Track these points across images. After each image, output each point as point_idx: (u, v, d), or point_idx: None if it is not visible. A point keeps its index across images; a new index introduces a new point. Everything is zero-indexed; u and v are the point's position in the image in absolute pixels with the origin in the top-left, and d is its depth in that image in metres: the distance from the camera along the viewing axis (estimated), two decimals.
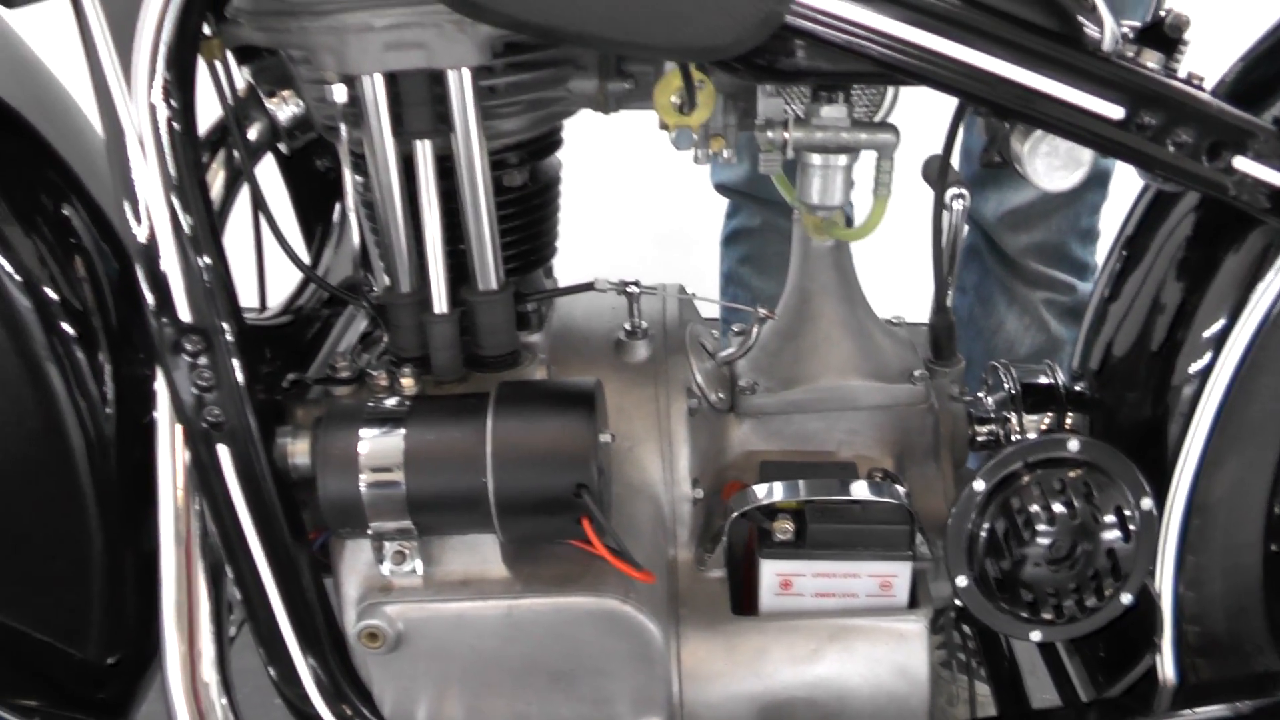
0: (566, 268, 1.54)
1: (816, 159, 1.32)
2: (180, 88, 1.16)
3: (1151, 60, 1.20)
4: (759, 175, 2.21)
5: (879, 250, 1.96)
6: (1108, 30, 1.18)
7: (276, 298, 1.54)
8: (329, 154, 1.62)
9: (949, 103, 1.30)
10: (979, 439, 1.52)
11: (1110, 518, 1.32)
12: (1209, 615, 1.42)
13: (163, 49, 1.14)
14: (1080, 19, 1.18)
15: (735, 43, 1.07)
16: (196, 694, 1.30)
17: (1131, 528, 1.32)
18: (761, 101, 1.31)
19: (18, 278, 1.30)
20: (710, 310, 2.40)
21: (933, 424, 1.48)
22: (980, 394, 1.55)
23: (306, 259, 1.63)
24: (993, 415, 1.52)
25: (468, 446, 1.21)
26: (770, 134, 1.30)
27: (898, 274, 2.17)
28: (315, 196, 1.64)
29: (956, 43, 1.14)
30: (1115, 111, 1.18)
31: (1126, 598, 1.35)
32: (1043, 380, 1.52)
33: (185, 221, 1.18)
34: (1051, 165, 1.27)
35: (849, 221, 1.51)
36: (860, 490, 1.35)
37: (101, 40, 1.14)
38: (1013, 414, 1.50)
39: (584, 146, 1.48)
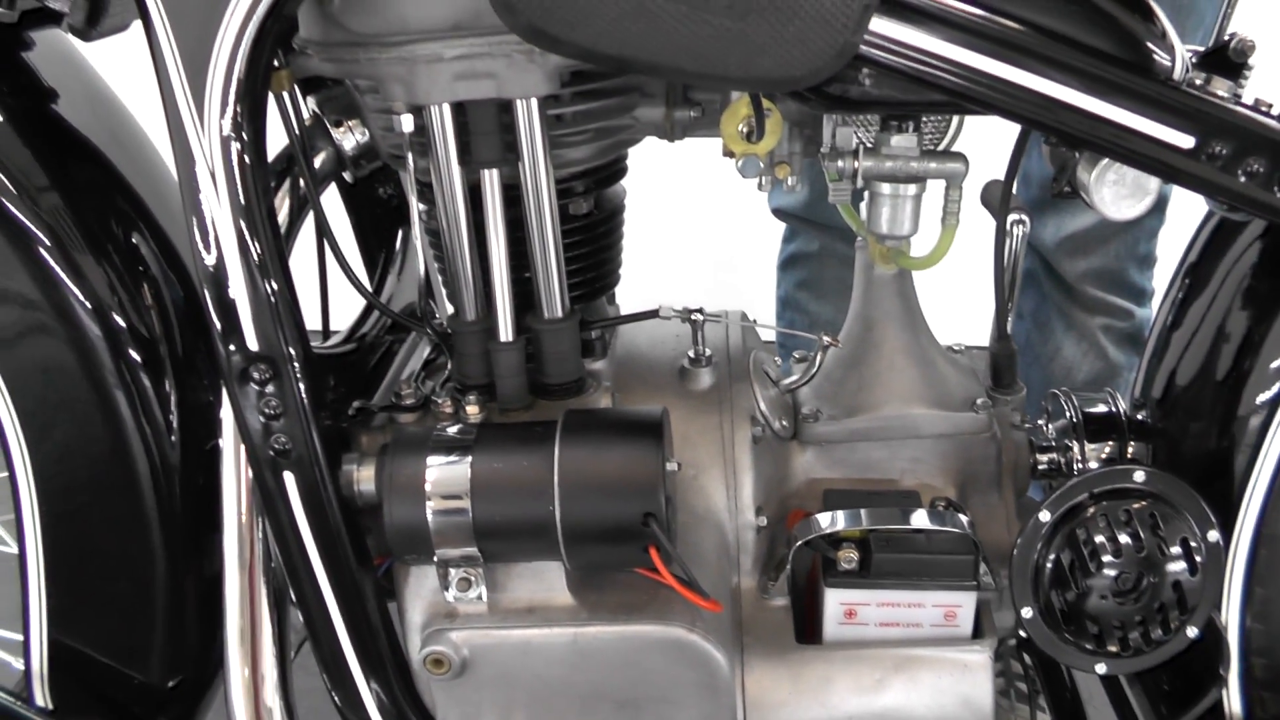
0: (629, 295, 1.55)
1: (886, 188, 1.32)
2: (251, 119, 1.17)
3: (1222, 88, 1.20)
4: (816, 200, 2.23)
5: (930, 273, 1.96)
6: (1179, 58, 1.18)
7: (334, 325, 1.55)
8: (391, 181, 1.63)
9: (1002, 127, 1.30)
10: (1040, 468, 1.51)
11: (1176, 549, 1.31)
12: (1277, 649, 1.41)
13: (235, 82, 1.15)
14: (1151, 46, 1.18)
15: (811, 74, 1.07)
16: (259, 718, 1.31)
17: (1198, 559, 1.31)
18: (829, 130, 1.31)
19: (88, 304, 1.32)
20: (769, 336, 2.40)
21: (995, 453, 1.48)
22: (1040, 422, 1.55)
23: (369, 287, 1.64)
24: (1054, 444, 1.51)
25: (535, 474, 1.21)
26: (840, 163, 1.30)
27: (950, 298, 2.16)
28: (377, 224, 1.66)
29: (1028, 72, 1.14)
30: (1185, 141, 1.18)
31: (1193, 631, 1.33)
32: (1103, 409, 1.51)
33: (254, 250, 1.19)
34: (1119, 194, 1.27)
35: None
36: (925, 520, 1.35)
37: (175, 72, 1.15)
38: (1074, 443, 1.49)
39: (636, 170, 1.48)
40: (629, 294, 1.54)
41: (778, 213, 2.39)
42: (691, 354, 1.43)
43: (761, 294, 2.53)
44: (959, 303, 2.27)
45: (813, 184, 2.25)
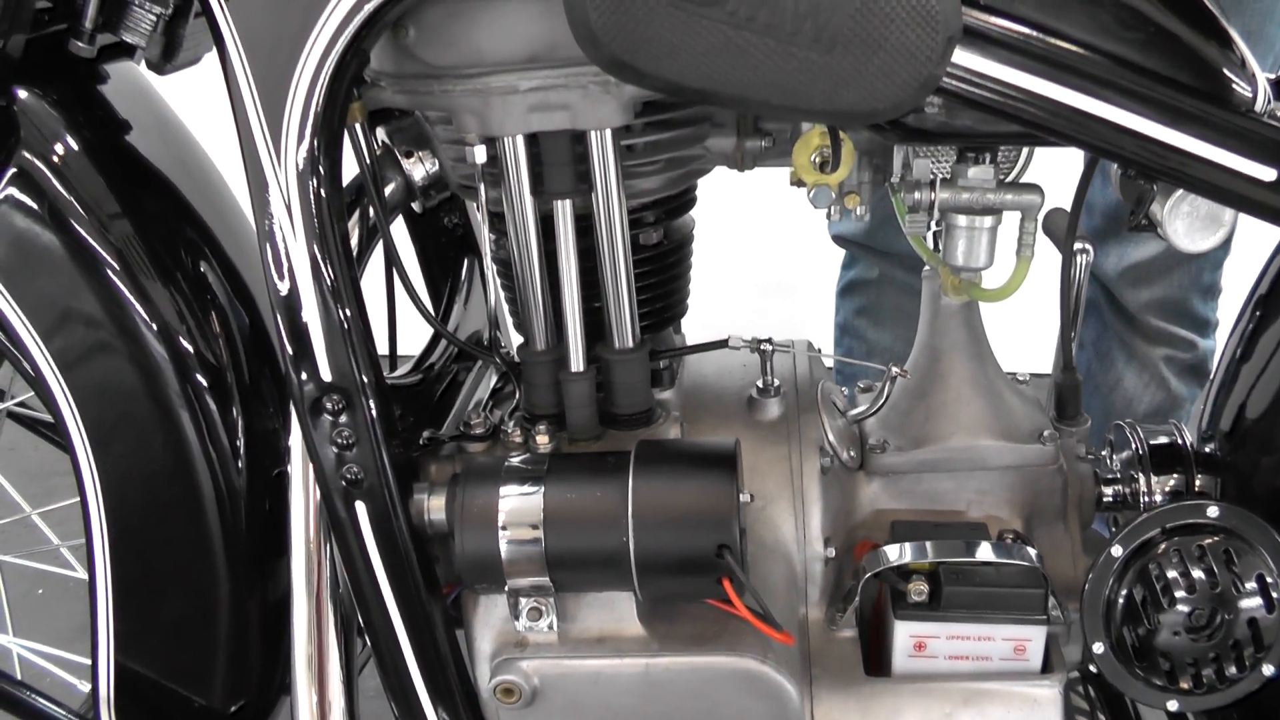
0: (687, 320, 1.55)
1: (962, 220, 1.32)
2: (328, 152, 1.18)
3: None
4: (878, 227, 2.22)
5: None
6: (1261, 89, 1.17)
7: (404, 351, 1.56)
8: (456, 211, 1.63)
9: (1063, 154, 1.30)
10: (1106, 500, 1.50)
11: (1252, 585, 1.30)
12: None
13: (313, 115, 1.16)
14: (1230, 76, 1.17)
15: (894, 107, 1.07)
16: None
17: (1274, 595, 1.30)
18: (899, 160, 1.31)
19: (154, 326, 1.33)
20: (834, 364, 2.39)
21: (1062, 485, 1.47)
22: (1105, 454, 1.54)
23: (434, 313, 1.65)
24: (1119, 476, 1.50)
25: (609, 505, 1.21)
26: (916, 195, 1.30)
27: (1007, 325, 2.15)
28: (442, 253, 1.66)
29: (1107, 103, 1.13)
30: (1267, 173, 1.17)
31: (1269, 669, 1.32)
32: (1170, 440, 1.50)
33: (328, 280, 1.20)
34: (1193, 226, 1.26)
35: None
36: (993, 552, 1.34)
37: (251, 104, 1.16)
38: (1140, 475, 1.48)
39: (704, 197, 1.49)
40: (692, 322, 1.54)
41: (838, 239, 2.39)
42: (760, 384, 1.43)
43: (819, 319, 2.53)
44: (1017, 330, 2.26)
45: (873, 211, 2.24)
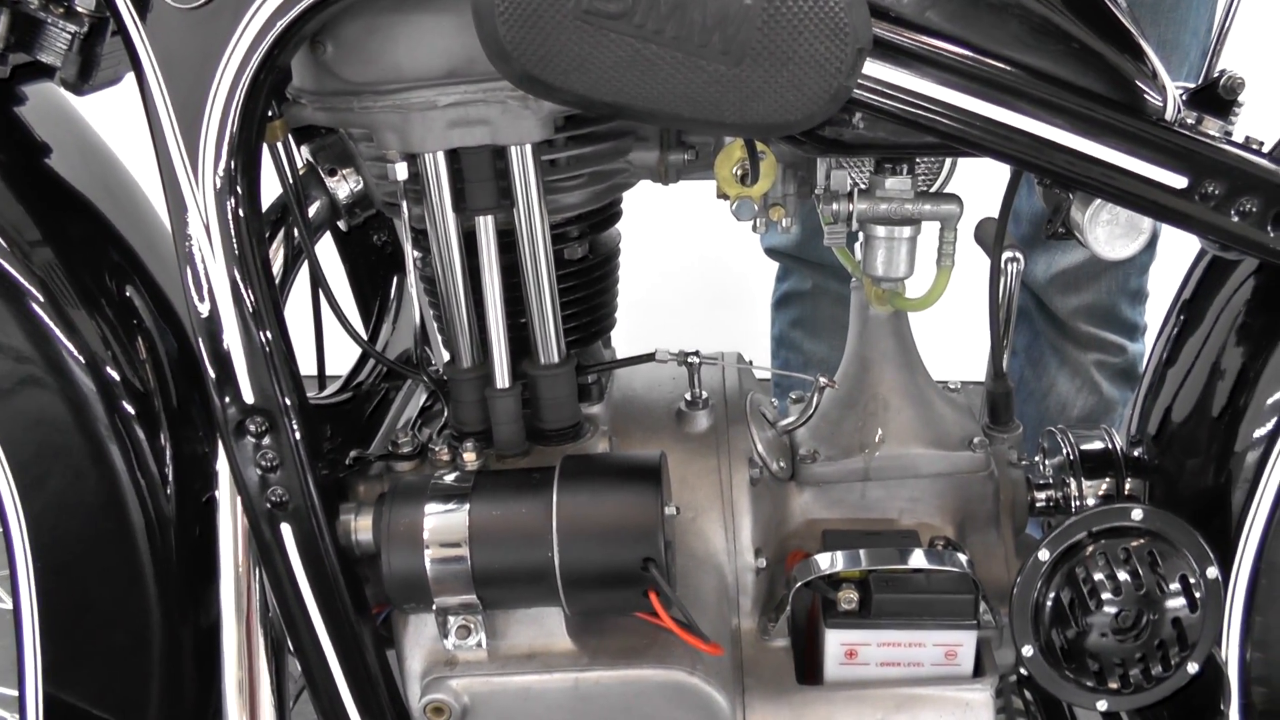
0: (622, 336, 1.55)
1: (881, 230, 1.33)
2: (246, 171, 1.17)
3: (1213, 128, 1.20)
4: (809, 239, 2.23)
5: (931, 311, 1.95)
6: (1170, 99, 1.18)
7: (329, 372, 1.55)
8: (385, 229, 1.63)
9: (993, 165, 1.31)
10: (1038, 505, 1.51)
11: (1176, 586, 1.31)
12: (1277, 677, 1.41)
13: (229, 134, 1.15)
14: (1142, 86, 1.18)
15: (805, 119, 1.08)
16: None
17: (1197, 596, 1.31)
18: (823, 172, 1.32)
19: (81, 359, 1.31)
20: (765, 376, 2.40)
21: (993, 491, 1.48)
22: (1037, 459, 1.55)
23: (364, 335, 1.64)
24: (1051, 481, 1.51)
25: (534, 521, 1.21)
26: (835, 206, 1.31)
27: (942, 334, 2.16)
28: (372, 271, 1.66)
29: (1021, 114, 1.15)
30: (1178, 181, 1.18)
31: (1193, 667, 1.33)
32: (1100, 445, 1.51)
33: (249, 302, 1.19)
34: (1113, 234, 1.27)
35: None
36: (924, 559, 1.35)
37: (168, 125, 1.15)
38: (1071, 480, 1.49)
39: (639, 213, 1.49)
40: (623, 336, 1.54)
41: (770, 252, 2.39)
42: (688, 397, 1.43)
43: (756, 333, 2.53)
44: (952, 339, 2.28)
45: (804, 223, 2.25)
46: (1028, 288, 2.26)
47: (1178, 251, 1.54)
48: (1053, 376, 2.30)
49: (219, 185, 1.16)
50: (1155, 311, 2.10)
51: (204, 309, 1.19)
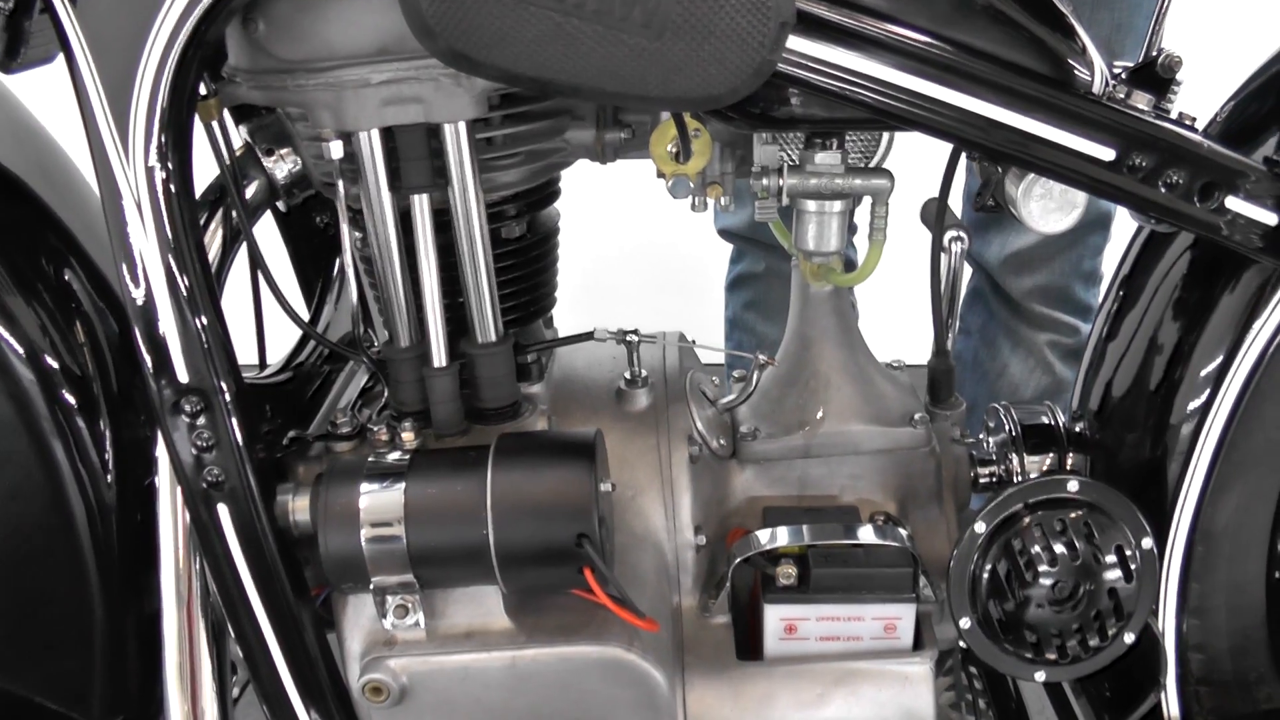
0: (578, 318, 1.54)
1: (811, 205, 1.33)
2: (177, 149, 1.17)
3: (1142, 101, 1.21)
4: (761, 220, 2.23)
5: (887, 294, 1.96)
6: (1098, 73, 1.19)
7: (276, 355, 1.54)
8: (327, 210, 1.62)
9: (948, 147, 1.31)
10: (981, 481, 1.52)
11: (1111, 558, 1.32)
12: (1213, 643, 1.42)
13: (159, 110, 1.15)
14: (1071, 62, 1.19)
15: (730, 92, 1.08)
16: None
17: (1133, 567, 1.32)
18: (757, 149, 1.32)
19: (20, 350, 1.30)
20: (713, 357, 2.40)
21: (934, 467, 1.48)
22: (982, 436, 1.55)
23: (306, 315, 1.64)
24: (994, 457, 1.52)
25: (468, 499, 1.21)
26: (765, 181, 1.31)
27: (905, 318, 2.17)
28: (315, 253, 1.65)
29: (947, 88, 1.15)
30: (1106, 153, 1.19)
31: (1129, 637, 1.34)
32: (1043, 421, 1.52)
33: (182, 282, 1.18)
34: (1046, 208, 1.28)
35: (850, 266, 1.51)
36: (863, 534, 1.35)
37: (97, 103, 1.14)
38: (1014, 455, 1.50)
39: (595, 195, 1.48)
40: (576, 322, 1.54)
41: (724, 233, 2.40)
42: (628, 375, 1.44)
43: (712, 317, 2.53)
44: (915, 323, 2.28)
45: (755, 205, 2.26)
46: (982, 269, 2.27)
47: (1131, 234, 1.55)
48: (1006, 357, 2.31)
49: (150, 162, 1.15)
50: None
51: (137, 290, 1.19)
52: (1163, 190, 1.21)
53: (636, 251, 3.54)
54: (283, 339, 1.56)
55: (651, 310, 3.41)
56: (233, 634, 1.30)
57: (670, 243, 3.36)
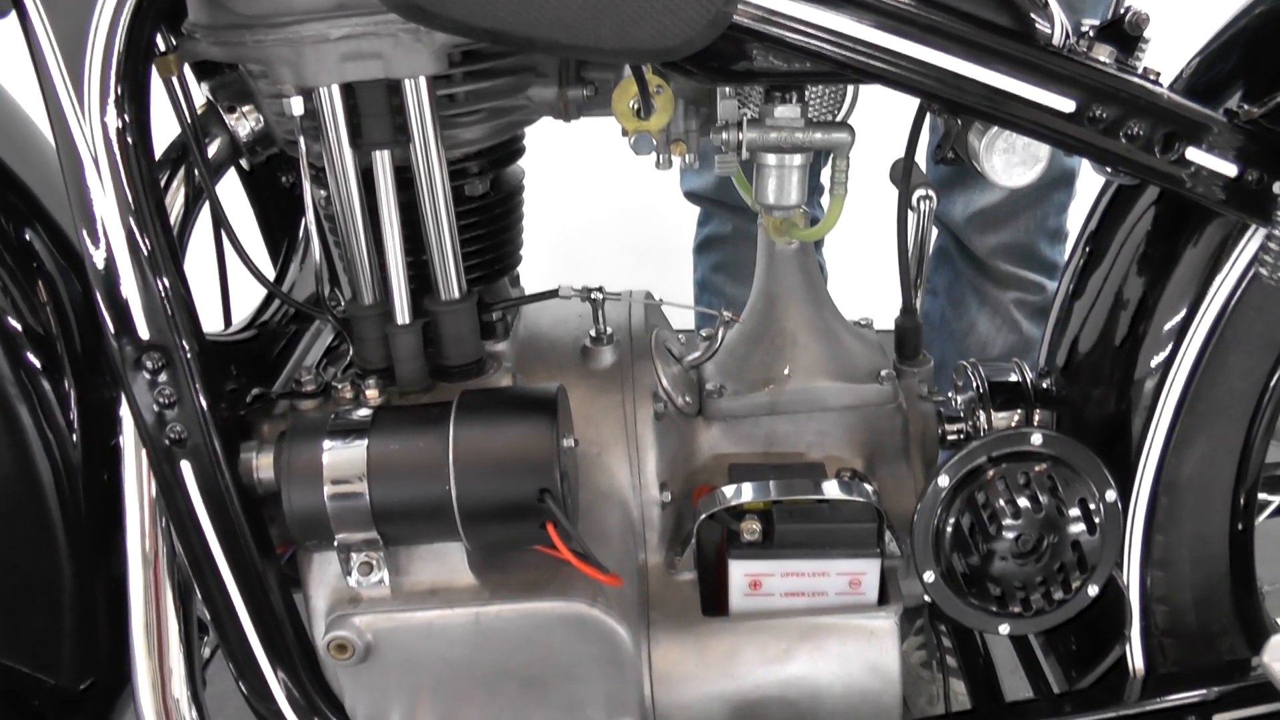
0: (548, 284, 1.54)
1: (771, 159, 1.33)
2: (134, 101, 1.16)
3: (1104, 54, 1.21)
4: (727, 181, 2.22)
5: (860, 255, 1.96)
6: (1058, 25, 1.19)
7: (241, 315, 1.54)
8: (292, 169, 1.62)
9: (915, 105, 1.31)
10: (949, 438, 1.52)
11: (1075, 511, 1.33)
12: (1177, 595, 1.43)
13: (115, 62, 1.14)
14: (1032, 15, 1.19)
15: (685, 44, 1.07)
16: (167, 710, 1.30)
17: (1096, 520, 1.33)
18: (718, 104, 1.32)
19: None
20: (680, 316, 2.40)
21: (901, 424, 1.49)
22: (950, 395, 1.56)
23: (271, 274, 1.63)
24: (962, 414, 1.52)
25: (430, 455, 1.21)
26: (725, 135, 1.30)
27: (875, 282, 2.17)
28: (280, 212, 1.64)
29: (906, 39, 1.15)
30: (1066, 105, 1.19)
31: (1093, 589, 1.35)
32: (1011, 378, 1.52)
33: (142, 239, 1.18)
34: (1009, 162, 1.28)
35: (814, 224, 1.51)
36: (828, 490, 1.35)
37: (51, 56, 1.13)
38: (981, 412, 1.50)
39: (562, 161, 1.48)
40: (552, 285, 1.53)
41: (690, 196, 2.39)
42: (593, 333, 1.44)
43: (683, 282, 2.54)
44: (889, 283, 2.29)
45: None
46: (947, 228, 2.27)
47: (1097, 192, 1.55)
48: (973, 316, 2.32)
49: (106, 115, 1.15)
50: None
51: (97, 246, 1.18)
52: (1124, 141, 1.20)
53: (606, 218, 3.54)
54: (248, 299, 1.55)
55: (622, 275, 3.42)
56: (199, 594, 1.29)
57: (639, 207, 3.35)
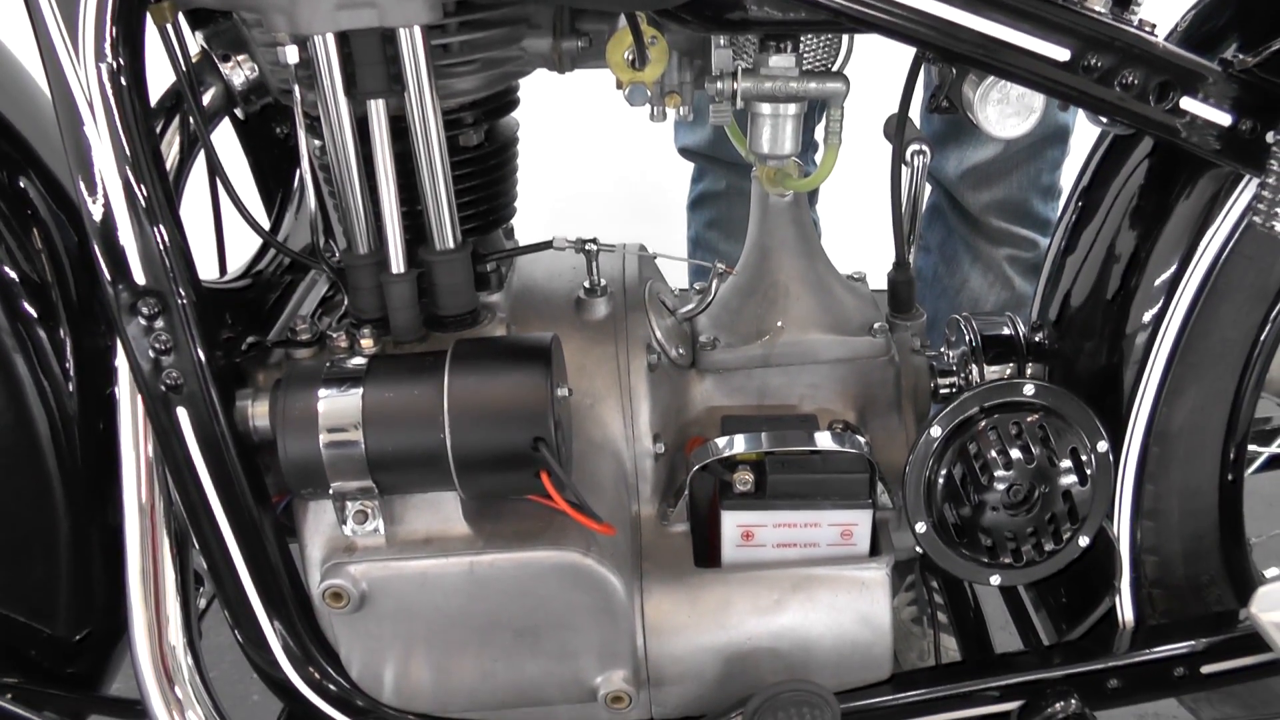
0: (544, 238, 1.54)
1: (766, 108, 1.33)
2: (128, 47, 1.15)
3: (1099, 3, 1.21)
4: (722, 138, 2.22)
5: (852, 213, 1.96)
6: None
7: (236, 265, 1.54)
8: (287, 120, 1.61)
9: (910, 58, 1.31)
10: (941, 391, 1.52)
11: (1066, 461, 1.33)
12: (1167, 546, 1.44)
13: (109, 8, 1.13)
14: None
15: None
16: (163, 656, 1.30)
17: (1088, 471, 1.34)
18: (713, 53, 1.31)
19: None
20: (674, 272, 2.39)
21: (894, 376, 1.49)
22: (943, 350, 1.56)
23: (266, 225, 1.63)
24: (954, 368, 1.52)
25: (425, 403, 1.21)
26: (720, 85, 1.30)
27: (873, 238, 2.17)
28: (275, 162, 1.64)
29: None
30: (1061, 53, 1.19)
31: (1084, 540, 1.36)
32: (1003, 332, 1.53)
33: (138, 185, 1.18)
34: (1003, 113, 1.28)
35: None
36: (820, 441, 1.36)
37: (46, 3, 1.13)
38: (974, 365, 1.50)
39: (556, 121, 1.48)
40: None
41: (684, 152, 2.39)
42: (587, 285, 1.44)
43: (678, 243, 2.54)
44: (874, 245, 2.29)
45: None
46: (940, 184, 2.27)
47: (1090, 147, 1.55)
48: (965, 272, 2.32)
49: (101, 58, 1.14)
50: None
51: (94, 198, 1.18)
52: (1118, 90, 1.21)
53: (597, 177, 3.52)
54: (241, 251, 1.55)
55: (614, 233, 3.41)
56: (195, 542, 1.30)
57: (630, 165, 3.34)
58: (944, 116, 2.11)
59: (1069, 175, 2.24)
